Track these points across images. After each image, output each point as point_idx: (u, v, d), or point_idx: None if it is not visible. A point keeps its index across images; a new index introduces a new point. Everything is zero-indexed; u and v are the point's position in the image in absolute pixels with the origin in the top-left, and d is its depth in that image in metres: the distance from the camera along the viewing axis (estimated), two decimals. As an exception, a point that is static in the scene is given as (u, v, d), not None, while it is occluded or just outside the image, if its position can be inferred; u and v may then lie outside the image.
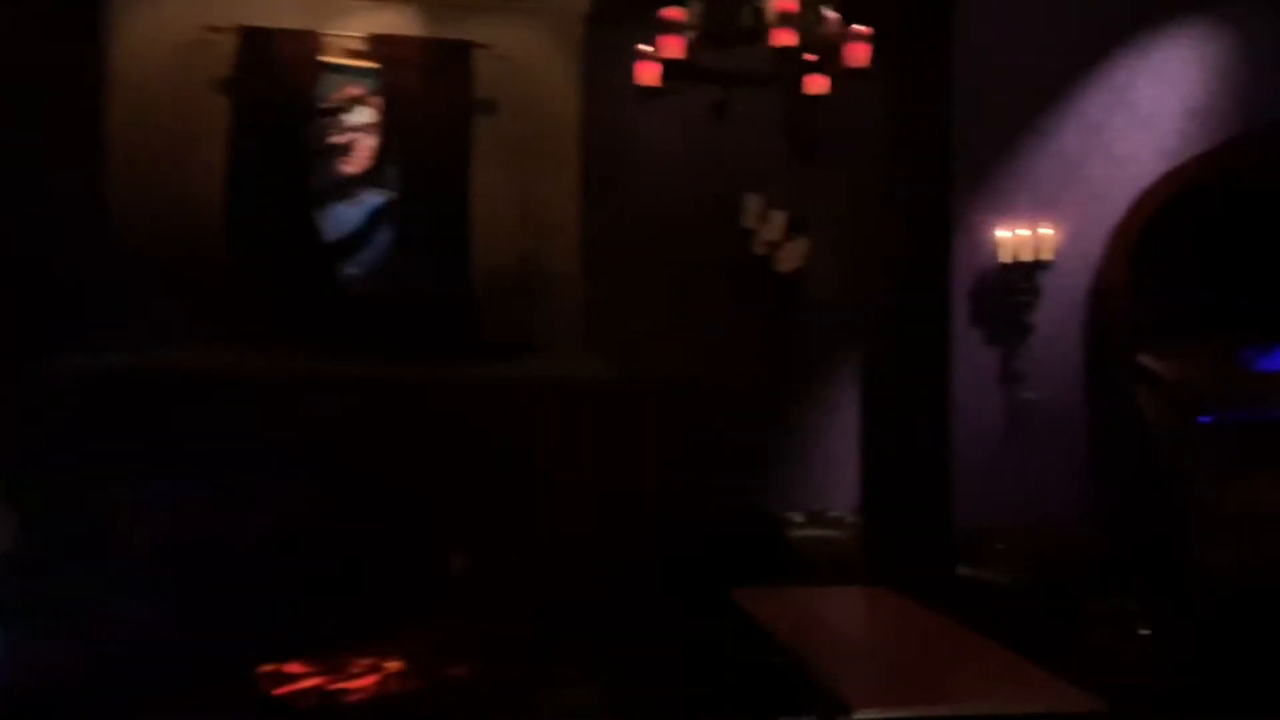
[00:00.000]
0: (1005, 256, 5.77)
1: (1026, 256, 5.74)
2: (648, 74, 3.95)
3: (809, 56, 3.85)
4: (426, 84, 5.58)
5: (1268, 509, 5.74)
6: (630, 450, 5.54)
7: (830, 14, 3.90)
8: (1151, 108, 5.70)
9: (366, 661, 3.96)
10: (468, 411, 5.28)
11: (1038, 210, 5.80)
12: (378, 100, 5.63)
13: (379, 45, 5.59)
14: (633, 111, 5.31)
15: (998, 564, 4.83)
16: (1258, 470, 5.73)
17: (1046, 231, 5.74)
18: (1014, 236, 5.77)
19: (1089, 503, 5.57)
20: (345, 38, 5.56)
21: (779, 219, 5.90)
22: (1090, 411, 5.78)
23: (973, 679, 3.46)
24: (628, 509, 5.49)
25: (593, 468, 5.37)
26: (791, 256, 5.94)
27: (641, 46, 3.97)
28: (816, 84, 4.01)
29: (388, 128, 5.63)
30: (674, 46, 3.81)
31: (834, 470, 6.13)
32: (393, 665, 3.95)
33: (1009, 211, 5.83)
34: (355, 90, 5.64)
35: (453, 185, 5.51)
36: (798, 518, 5.78)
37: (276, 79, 5.43)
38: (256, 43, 5.40)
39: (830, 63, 3.91)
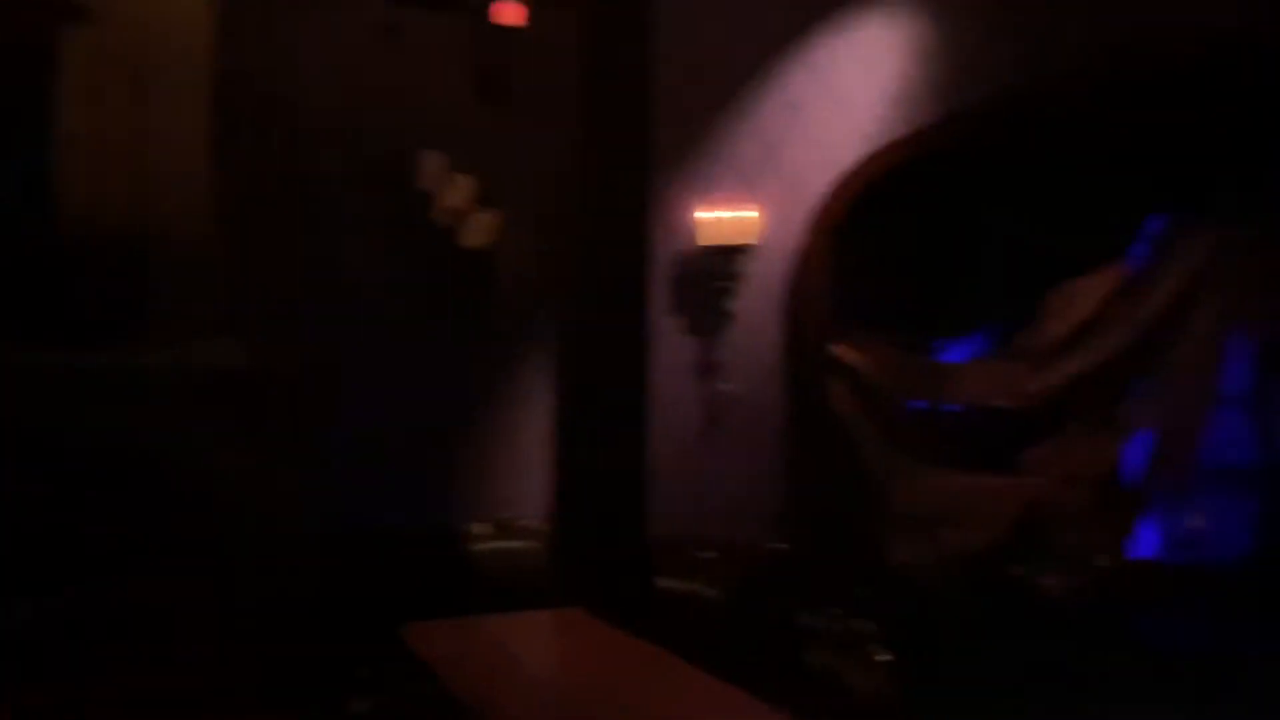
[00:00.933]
0: (706, 239, 5.38)
1: (727, 240, 5.37)
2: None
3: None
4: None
5: (955, 505, 5.74)
6: (273, 455, 4.59)
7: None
8: (851, 89, 5.49)
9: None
10: (59, 407, 4.13)
11: (740, 192, 5.46)
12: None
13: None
14: (284, 36, 4.36)
15: (703, 574, 4.36)
16: (949, 464, 5.70)
17: (748, 214, 5.39)
18: (715, 219, 5.38)
19: (789, 504, 5.25)
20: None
21: (464, 184, 5.14)
22: (787, 406, 5.49)
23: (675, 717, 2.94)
24: (271, 527, 4.54)
25: (226, 477, 4.37)
26: (479, 230, 5.21)
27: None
28: (509, 12, 3.31)
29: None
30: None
31: (524, 473, 5.49)
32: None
33: (710, 192, 5.45)
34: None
35: (29, 118, 4.29)
36: (482, 529, 5.07)
37: None
38: None
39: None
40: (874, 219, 5.64)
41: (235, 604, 4.40)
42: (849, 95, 5.46)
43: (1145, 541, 6.03)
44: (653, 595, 4.51)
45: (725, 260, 5.35)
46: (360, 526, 4.89)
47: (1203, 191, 5.47)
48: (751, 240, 5.36)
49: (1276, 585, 5.52)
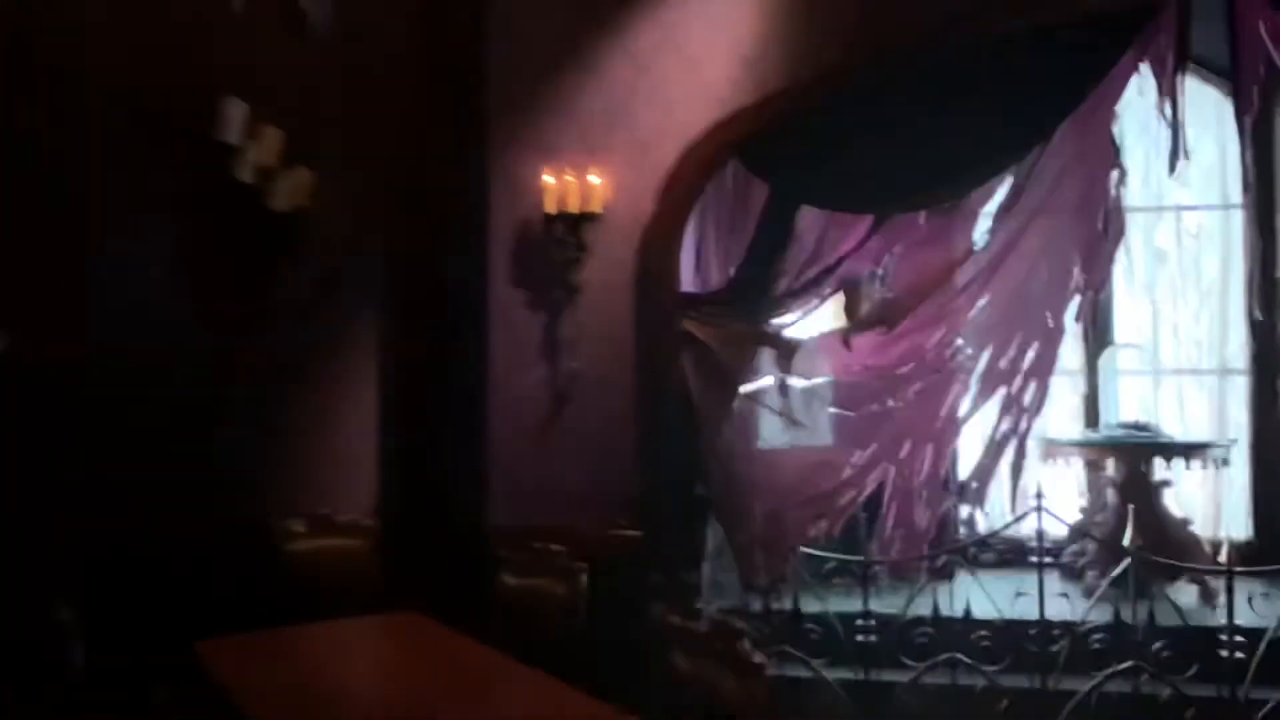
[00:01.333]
0: (551, 205, 4.97)
1: (573, 207, 4.98)
2: None
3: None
4: None
5: (791, 488, 5.55)
6: (50, 448, 3.94)
7: None
8: (701, 51, 5.17)
9: None
10: None
11: (586, 155, 5.07)
12: None
13: None
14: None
15: (550, 569, 3.96)
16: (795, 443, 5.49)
17: (595, 179, 5.00)
18: (560, 183, 4.97)
19: (643, 489, 4.91)
20: None
21: (273, 138, 4.55)
22: (639, 386, 5.14)
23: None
24: (49, 531, 3.89)
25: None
26: (291, 190, 4.63)
27: None
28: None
29: None
30: None
31: (346, 463, 4.98)
32: None
33: (554, 154, 5.05)
34: None
35: None
36: (298, 526, 4.53)
37: None
38: None
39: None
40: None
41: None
42: (699, 56, 5.14)
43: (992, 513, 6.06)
44: (495, 594, 4.09)
45: (572, 229, 4.96)
46: (153, 524, 4.28)
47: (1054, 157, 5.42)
48: (599, 207, 4.97)
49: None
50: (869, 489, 5.58)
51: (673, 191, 5.12)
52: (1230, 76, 5.39)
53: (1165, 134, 7.53)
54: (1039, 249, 5.61)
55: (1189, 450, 6.83)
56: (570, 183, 4.96)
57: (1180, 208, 7.94)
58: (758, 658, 2.62)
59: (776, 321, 5.69)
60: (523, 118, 5.10)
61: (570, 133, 5.09)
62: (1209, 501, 7.44)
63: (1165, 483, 6.70)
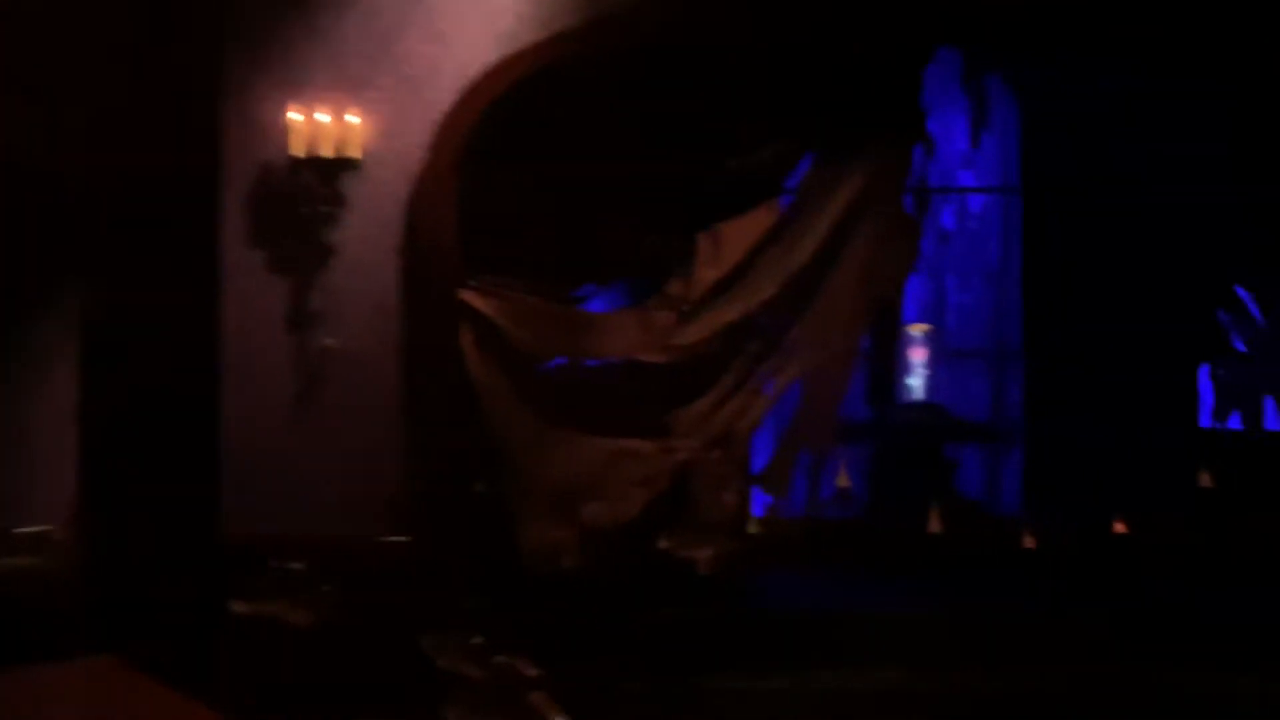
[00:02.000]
0: (299, 148, 4.20)
1: (327, 151, 4.25)
2: None
3: None
4: None
5: (600, 475, 4.99)
6: None
7: None
8: (483, -24, 4.52)
9: None
10: None
11: (343, 91, 4.37)
12: None
13: None
14: None
15: (292, 592, 3.22)
16: (593, 429, 4.92)
17: (353, 120, 4.26)
18: (309, 123, 4.20)
19: (409, 490, 4.23)
20: None
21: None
22: (407, 367, 4.46)
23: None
24: None
25: None
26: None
27: None
28: None
29: None
30: None
31: (32, 463, 4.02)
32: None
33: (304, 89, 4.34)
34: None
35: None
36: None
37: None
38: None
39: None
40: (509, 141, 4.70)
41: None
42: (481, -17, 4.51)
43: (795, 500, 5.75)
44: (224, 627, 3.30)
45: (325, 177, 4.23)
46: None
47: (855, 129, 5.09)
48: (358, 153, 4.27)
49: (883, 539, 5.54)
50: (670, 477, 5.07)
51: (450, 138, 4.52)
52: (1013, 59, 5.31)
53: (956, 112, 7.53)
54: (842, 225, 5.26)
55: (976, 432, 6.85)
56: (323, 123, 4.27)
57: (966, 189, 7.99)
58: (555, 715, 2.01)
59: (572, 295, 5.10)
60: (265, 44, 4.38)
61: (324, 64, 4.44)
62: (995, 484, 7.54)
63: (955, 464, 6.67)
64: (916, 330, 6.77)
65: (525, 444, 4.83)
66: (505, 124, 4.69)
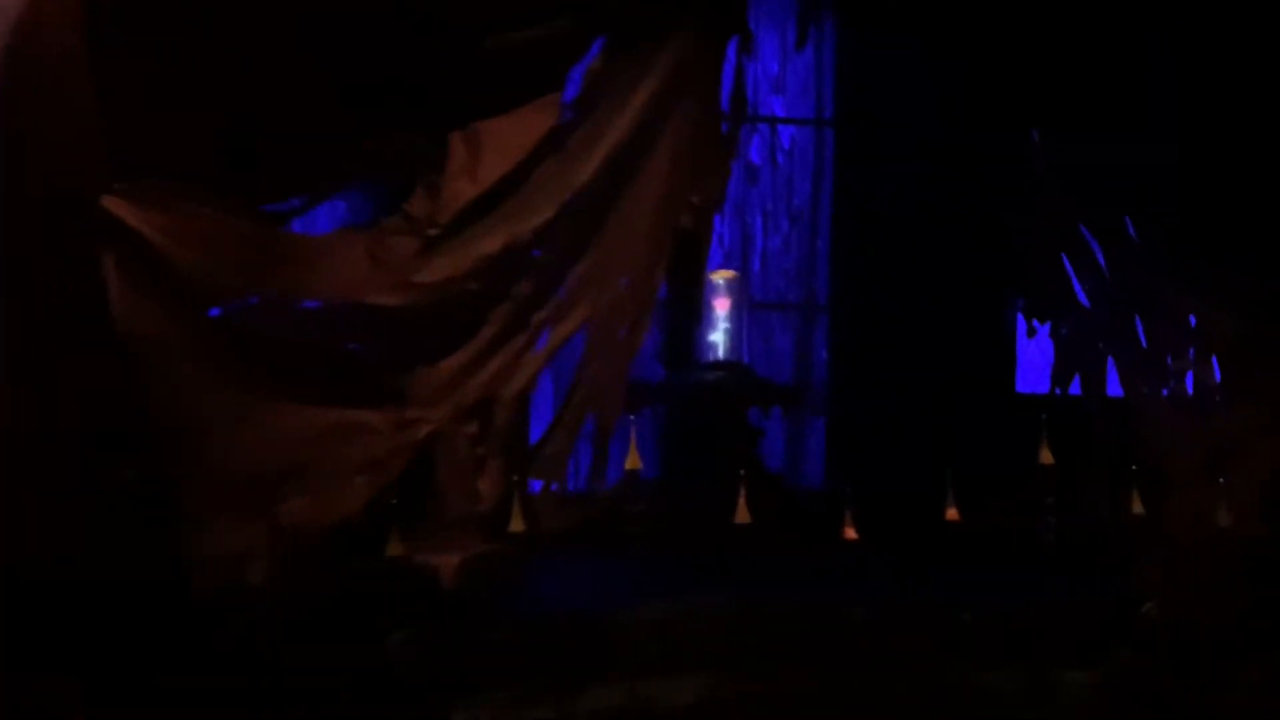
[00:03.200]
0: None
1: None
2: None
3: None
4: None
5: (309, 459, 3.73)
6: None
7: None
8: None
9: None
10: None
11: None
12: None
13: None
14: None
15: None
16: (304, 397, 3.65)
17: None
18: None
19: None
20: None
21: None
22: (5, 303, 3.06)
23: None
24: None
25: None
26: None
27: None
28: None
29: None
30: None
31: None
32: None
33: None
34: None
35: None
36: None
37: None
38: None
39: None
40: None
41: None
42: None
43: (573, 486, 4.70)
44: None
45: None
46: None
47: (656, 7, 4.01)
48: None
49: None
50: (405, 460, 3.86)
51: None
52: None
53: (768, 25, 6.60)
54: (639, 133, 4.16)
55: (783, 394, 6.11)
56: None
57: (775, 119, 7.18)
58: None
59: (272, 209, 3.80)
60: None
61: None
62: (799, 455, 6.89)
63: (761, 433, 5.91)
64: (720, 277, 5.86)
65: (200, 415, 3.50)
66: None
